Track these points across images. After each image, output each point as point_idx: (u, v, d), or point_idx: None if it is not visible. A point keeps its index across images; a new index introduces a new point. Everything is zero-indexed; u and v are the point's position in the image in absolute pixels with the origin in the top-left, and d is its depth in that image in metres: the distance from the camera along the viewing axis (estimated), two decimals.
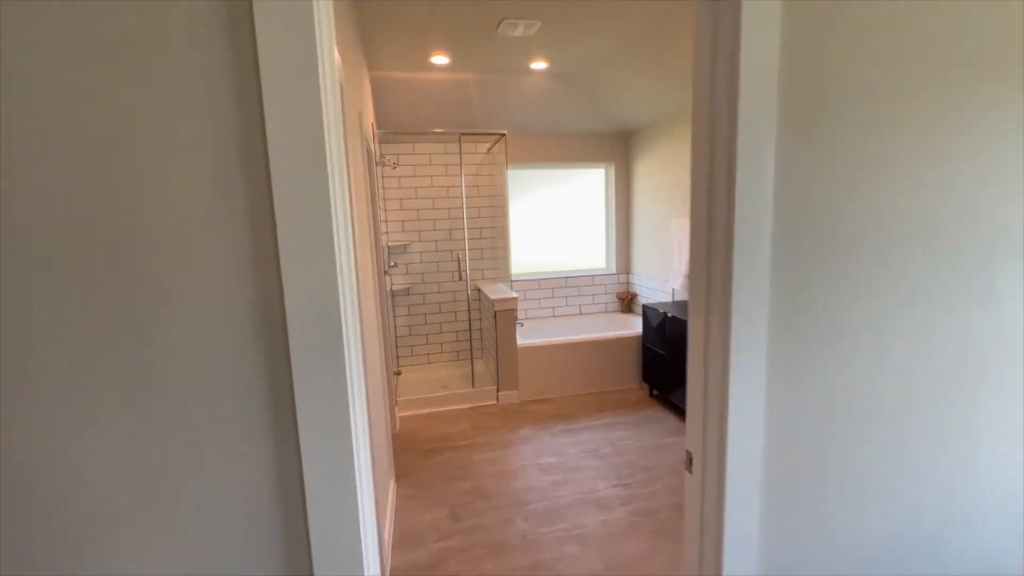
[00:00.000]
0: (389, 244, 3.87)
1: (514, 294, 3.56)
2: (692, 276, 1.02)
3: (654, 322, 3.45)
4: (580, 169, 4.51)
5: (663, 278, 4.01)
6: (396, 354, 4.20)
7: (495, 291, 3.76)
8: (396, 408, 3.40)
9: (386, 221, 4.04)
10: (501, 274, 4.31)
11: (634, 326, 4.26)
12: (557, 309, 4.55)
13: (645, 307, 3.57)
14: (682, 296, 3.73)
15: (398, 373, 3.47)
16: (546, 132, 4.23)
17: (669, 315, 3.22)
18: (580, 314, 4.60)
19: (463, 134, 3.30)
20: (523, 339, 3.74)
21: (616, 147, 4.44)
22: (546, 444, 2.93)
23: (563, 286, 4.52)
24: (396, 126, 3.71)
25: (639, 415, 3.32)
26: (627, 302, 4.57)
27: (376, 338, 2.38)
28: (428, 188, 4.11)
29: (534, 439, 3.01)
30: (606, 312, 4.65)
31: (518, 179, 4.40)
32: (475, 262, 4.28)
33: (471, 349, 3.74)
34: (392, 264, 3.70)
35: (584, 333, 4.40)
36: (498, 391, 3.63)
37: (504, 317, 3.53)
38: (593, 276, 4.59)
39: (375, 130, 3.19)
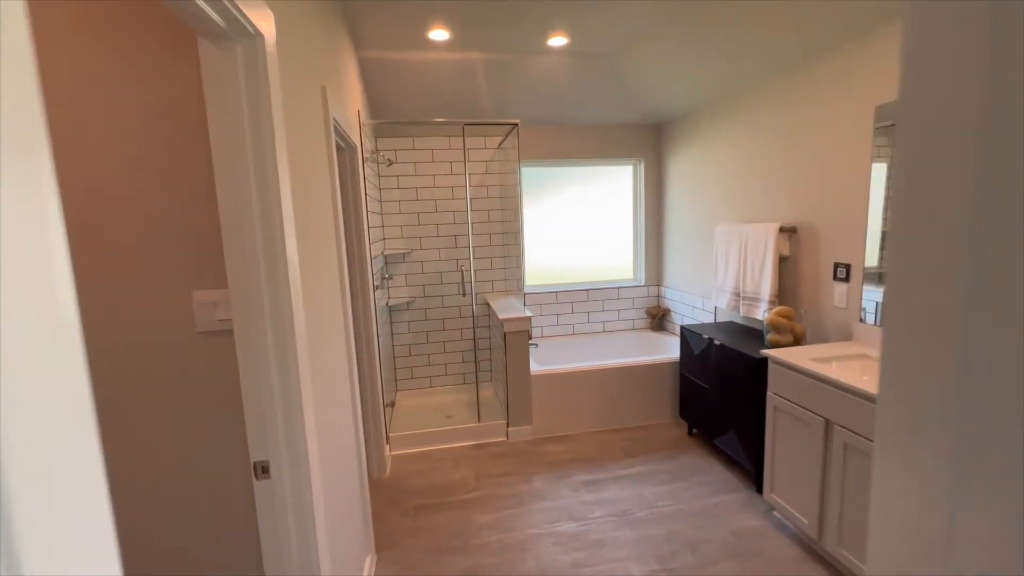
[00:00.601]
0: (386, 253, 3.39)
1: (527, 312, 3.03)
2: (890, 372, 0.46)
3: (696, 348, 2.87)
4: (604, 166, 3.95)
5: (702, 293, 3.41)
6: (394, 377, 3.71)
7: (505, 307, 3.23)
8: (387, 446, 2.90)
9: (383, 227, 3.56)
10: (513, 286, 3.78)
11: (667, 348, 3.68)
12: (578, 326, 4.00)
13: (685, 329, 2.99)
14: (727, 316, 3.13)
15: (390, 404, 2.98)
16: (565, 124, 3.69)
17: (716, 342, 2.63)
18: (604, 332, 4.04)
19: (467, 124, 2.80)
20: (538, 364, 3.20)
21: (646, 141, 3.87)
22: (564, 502, 2.38)
23: (584, 300, 3.97)
24: (391, 115, 3.22)
25: (677, 461, 2.74)
26: (658, 319, 3.98)
27: (346, 365, 1.87)
28: (430, 189, 3.61)
29: (550, 494, 2.46)
30: (634, 330, 4.08)
31: (533, 178, 3.87)
32: (483, 272, 3.76)
33: (476, 372, 3.22)
34: (387, 276, 3.22)
35: (609, 357, 3.84)
36: (508, 426, 3.10)
37: (515, 340, 3.00)
38: (619, 288, 4.02)
39: (363, 120, 2.70)
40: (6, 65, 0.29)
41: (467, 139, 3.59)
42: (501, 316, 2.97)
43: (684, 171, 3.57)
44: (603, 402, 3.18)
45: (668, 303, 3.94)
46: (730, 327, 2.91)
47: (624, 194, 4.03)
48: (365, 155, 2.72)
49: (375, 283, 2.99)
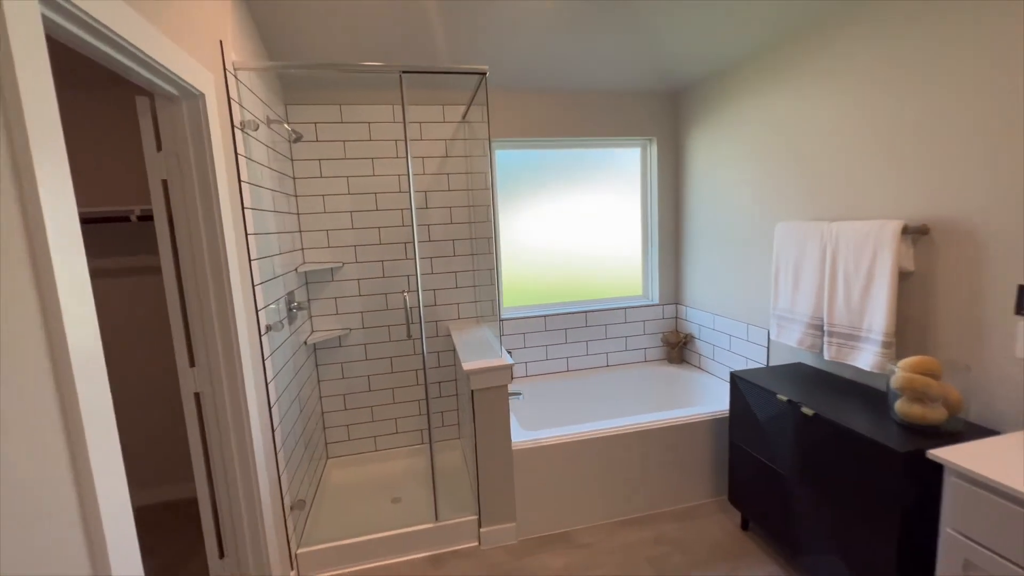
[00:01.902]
0: (305, 269, 2.35)
1: (505, 356, 2.03)
2: None
3: (759, 408, 1.92)
4: (603, 148, 2.99)
5: (747, 317, 2.47)
6: (323, 440, 2.67)
7: (474, 345, 2.23)
8: (293, 574, 1.86)
9: (300, 231, 2.51)
10: (486, 310, 2.78)
11: (697, 391, 2.73)
12: (574, 360, 3.02)
13: (739, 379, 2.03)
14: (792, 353, 2.19)
15: (295, 506, 1.95)
16: (551, 89, 2.71)
17: (805, 410, 1.68)
18: (607, 366, 3.07)
19: (407, 71, 1.79)
20: (523, 429, 2.21)
21: (660, 113, 2.91)
22: None
23: (582, 325, 2.99)
24: (294, 57, 2.18)
25: None
26: (678, 347, 3.04)
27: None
28: (369, 179, 2.58)
29: None
30: (646, 362, 3.12)
31: (510, 166, 2.87)
32: (445, 294, 2.74)
33: (430, 439, 2.19)
34: (293, 304, 2.18)
35: (620, 406, 2.88)
36: (480, 526, 2.09)
37: (488, 401, 2.00)
38: (626, 309, 3.05)
39: (233, 59, 1.66)
40: None
41: (419, 109, 2.57)
42: (467, 365, 1.96)
43: (715, 150, 2.62)
44: (617, 481, 2.20)
45: (690, 327, 2.99)
46: (808, 375, 1.97)
47: (629, 185, 3.07)
48: (241, 118, 1.68)
49: (283, 314, 1.95)
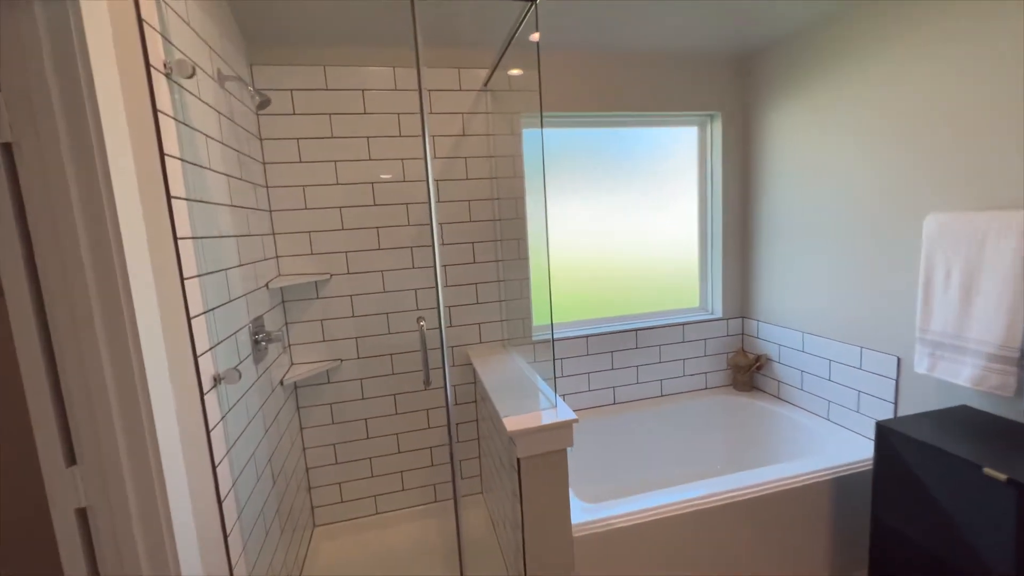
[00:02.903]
0: (280, 284, 1.75)
1: (561, 408, 1.44)
2: None
3: (922, 471, 1.35)
4: (652, 127, 2.41)
5: (858, 337, 1.90)
6: (309, 504, 2.05)
7: (505, 381, 1.63)
8: None
9: (272, 234, 1.90)
10: (516, 330, 2.19)
11: (781, 429, 2.15)
12: (621, 390, 2.43)
13: (885, 428, 1.45)
14: (952, 392, 1.63)
15: None
16: (589, 49, 2.12)
17: (987, 470, 1.11)
18: (662, 395, 2.49)
19: None
20: (581, 502, 1.61)
21: (724, 82, 2.34)
22: None
23: (631, 346, 2.40)
24: (279, 27, 1.57)
25: None
26: (748, 371, 2.46)
27: None
28: (363, 165, 1.97)
29: None
30: (706, 390, 2.54)
31: (538, 149, 2.28)
32: (465, 311, 2.15)
33: (456, 508, 1.58)
34: (260, 335, 1.56)
35: (688, 462, 2.34)
36: None
37: (538, 471, 1.41)
38: (684, 326, 2.47)
39: None
40: None
41: (429, 73, 1.98)
42: (509, 422, 1.37)
43: (811, 125, 2.06)
44: (708, 565, 1.62)
45: (765, 346, 2.42)
46: (988, 426, 1.40)
47: (682, 172, 2.50)
48: (165, 57, 1.07)
49: (244, 354, 1.35)
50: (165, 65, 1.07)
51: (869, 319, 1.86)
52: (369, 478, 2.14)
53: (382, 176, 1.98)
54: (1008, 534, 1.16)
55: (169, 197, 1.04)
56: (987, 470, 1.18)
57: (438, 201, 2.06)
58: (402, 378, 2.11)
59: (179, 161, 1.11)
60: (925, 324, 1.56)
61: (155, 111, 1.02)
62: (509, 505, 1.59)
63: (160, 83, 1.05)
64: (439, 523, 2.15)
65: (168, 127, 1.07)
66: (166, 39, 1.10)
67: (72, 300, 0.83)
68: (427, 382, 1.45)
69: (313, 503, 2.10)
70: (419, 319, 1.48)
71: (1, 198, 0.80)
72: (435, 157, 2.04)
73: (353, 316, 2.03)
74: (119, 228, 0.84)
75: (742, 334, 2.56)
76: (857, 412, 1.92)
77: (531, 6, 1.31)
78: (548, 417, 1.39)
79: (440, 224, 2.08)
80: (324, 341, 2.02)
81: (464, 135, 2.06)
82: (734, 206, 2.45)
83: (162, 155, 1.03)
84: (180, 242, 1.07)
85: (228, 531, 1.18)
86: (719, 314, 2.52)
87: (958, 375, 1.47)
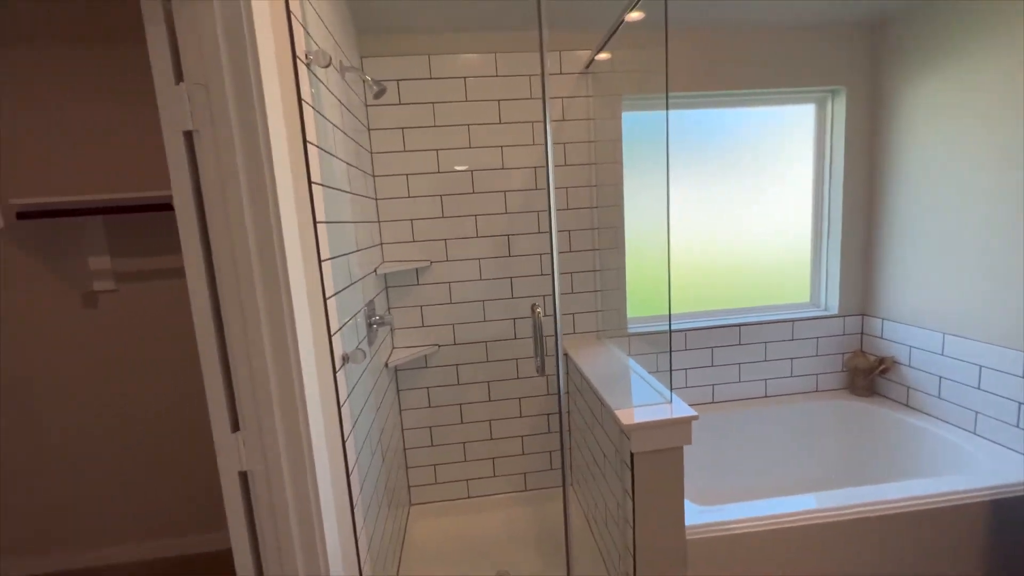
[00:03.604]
0: (385, 271, 1.81)
1: (678, 404, 1.37)
2: None
3: None
4: (764, 106, 2.22)
5: (1018, 340, 1.64)
6: (406, 483, 2.13)
7: (608, 373, 1.58)
8: None
9: (378, 222, 1.97)
10: (611, 321, 2.12)
11: (911, 441, 1.92)
12: (721, 389, 2.29)
13: None
14: None
15: None
16: (698, 26, 1.98)
17: None
18: (766, 396, 2.32)
19: None
20: (694, 504, 1.53)
21: (851, 54, 2.10)
22: None
23: (734, 342, 2.25)
24: (388, 22, 1.61)
25: None
26: (869, 375, 2.22)
27: None
28: (463, 152, 1.99)
29: None
30: (817, 393, 2.33)
31: (637, 131, 2.18)
32: (560, 300, 2.11)
33: (564, 503, 1.55)
34: (374, 319, 1.63)
35: (799, 472, 2.19)
36: None
37: (652, 468, 1.35)
38: (793, 322, 2.28)
39: (300, 13, 1.10)
40: None
41: (526, 56, 1.95)
42: (623, 415, 1.31)
43: (963, 101, 1.79)
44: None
45: (892, 348, 2.17)
46: None
47: (794, 156, 2.28)
48: (306, 47, 1.12)
49: (362, 336, 1.41)
50: (307, 55, 1.12)
51: None
52: (462, 462, 2.19)
53: (480, 164, 1.99)
54: None
55: (310, 183, 1.09)
56: None
57: (534, 188, 2.03)
58: (496, 366, 2.13)
59: (316, 148, 1.16)
60: None
61: (300, 100, 1.06)
62: (614, 502, 1.54)
63: (302, 73, 1.09)
64: (529, 511, 2.15)
65: (308, 115, 1.12)
66: (306, 31, 1.15)
67: (238, 276, 0.89)
68: (540, 369, 1.43)
69: (410, 482, 2.18)
70: (534, 305, 1.46)
71: (184, 182, 0.87)
72: (532, 143, 2.01)
73: (451, 303, 2.07)
74: (279, 211, 0.89)
75: (861, 333, 2.31)
76: (1017, 427, 1.67)
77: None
78: (663, 412, 1.32)
79: (536, 212, 2.05)
80: (423, 327, 2.07)
81: (564, 120, 2.01)
82: (857, 192, 2.20)
83: (305, 142, 1.08)
84: (319, 226, 1.12)
85: (353, 502, 1.23)
86: (834, 310, 2.29)
87: None
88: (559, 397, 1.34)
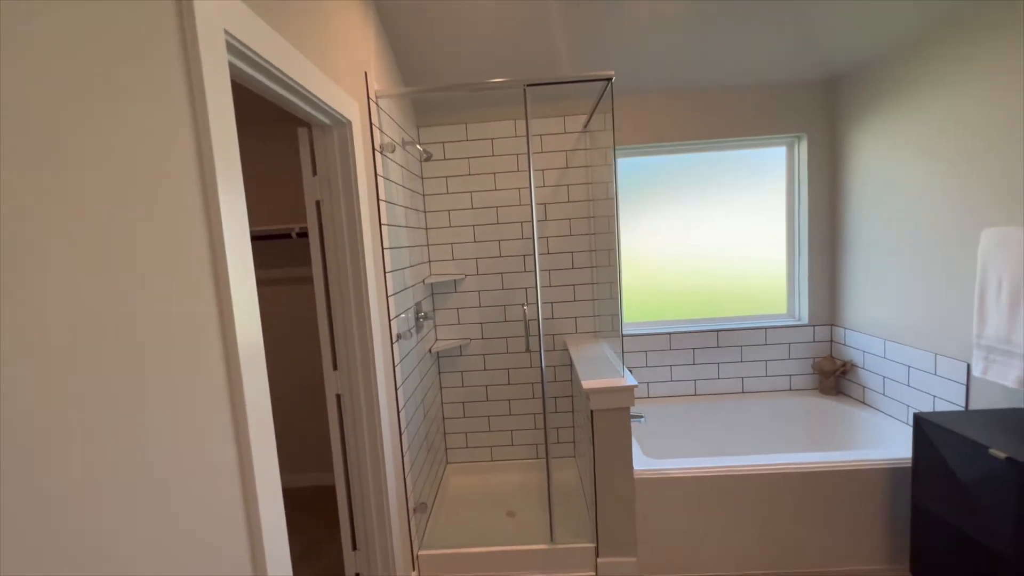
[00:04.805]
0: (432, 281, 2.48)
1: (628, 378, 1.90)
2: None
3: (957, 462, 1.52)
4: (741, 149, 2.69)
5: (934, 344, 2.01)
6: (444, 445, 2.77)
7: (592, 362, 2.13)
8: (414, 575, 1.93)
9: (427, 245, 2.67)
10: (606, 325, 2.66)
11: (859, 430, 2.30)
12: (702, 383, 2.74)
13: (925, 421, 1.64)
14: (1003, 394, 1.71)
15: (418, 508, 2.03)
16: (684, 89, 2.52)
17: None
18: (743, 393, 2.73)
19: (531, 84, 1.79)
20: (646, 457, 2.04)
21: (812, 105, 2.54)
22: None
23: (712, 345, 2.71)
24: (426, 82, 2.31)
25: None
26: (833, 376, 2.58)
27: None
28: (490, 193, 2.64)
29: None
30: (790, 391, 2.71)
31: (634, 174, 2.73)
32: (565, 307, 2.69)
33: (547, 457, 2.11)
34: (420, 314, 2.30)
35: (759, 448, 2.57)
36: (597, 556, 1.97)
37: (607, 423, 1.89)
38: (766, 330, 2.70)
39: (375, 87, 1.82)
40: None
41: (540, 121, 2.58)
42: (586, 383, 1.88)
43: (894, 143, 2.20)
44: (758, 529, 1.92)
45: (851, 353, 2.53)
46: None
47: (770, 189, 2.72)
48: (380, 141, 1.83)
49: (411, 324, 2.08)
50: (381, 147, 1.83)
51: (942, 328, 1.96)
52: (487, 432, 2.79)
53: (503, 202, 2.64)
54: (1010, 508, 1.33)
55: (380, 224, 1.78)
56: (992, 450, 1.36)
57: (544, 219, 2.64)
58: (513, 357, 2.73)
59: (384, 202, 1.86)
60: (980, 330, 1.68)
61: (376, 174, 1.76)
62: (588, 456, 2.08)
63: (378, 158, 1.80)
64: (539, 475, 2.71)
65: (380, 183, 1.82)
66: (380, 130, 1.86)
67: (342, 285, 1.58)
68: (527, 348, 2.03)
69: (447, 445, 2.82)
70: (523, 304, 2.06)
71: (314, 226, 1.58)
72: (543, 185, 2.63)
73: (479, 307, 2.71)
74: (363, 241, 1.57)
75: (831, 341, 2.67)
76: None
77: (607, 84, 1.83)
78: (614, 382, 1.86)
79: (547, 238, 2.66)
80: (459, 324, 2.72)
81: (567, 167, 2.62)
82: (821, 220, 2.61)
83: (378, 200, 1.77)
84: (385, 251, 1.81)
85: (402, 429, 1.88)
86: (805, 321, 2.68)
87: (1007, 377, 1.58)
88: (541, 369, 1.93)
